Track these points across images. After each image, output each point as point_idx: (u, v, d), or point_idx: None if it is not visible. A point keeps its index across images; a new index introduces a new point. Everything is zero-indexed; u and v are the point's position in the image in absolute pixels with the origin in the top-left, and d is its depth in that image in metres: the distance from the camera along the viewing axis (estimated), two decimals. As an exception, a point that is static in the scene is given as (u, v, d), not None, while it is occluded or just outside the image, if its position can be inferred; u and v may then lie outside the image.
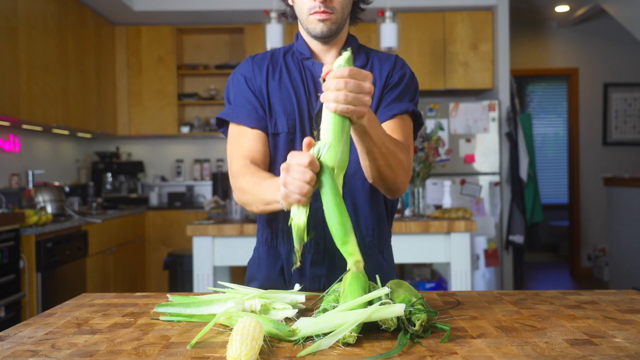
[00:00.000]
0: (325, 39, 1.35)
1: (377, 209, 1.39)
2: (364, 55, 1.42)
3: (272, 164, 1.39)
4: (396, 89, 1.38)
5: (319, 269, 1.35)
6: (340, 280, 1.04)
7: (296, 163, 0.99)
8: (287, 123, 1.36)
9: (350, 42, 1.42)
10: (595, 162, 6.42)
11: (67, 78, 4.34)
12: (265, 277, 1.38)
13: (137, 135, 5.46)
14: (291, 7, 1.40)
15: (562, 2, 5.68)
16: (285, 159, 1.34)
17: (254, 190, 1.22)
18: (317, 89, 1.38)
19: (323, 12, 1.28)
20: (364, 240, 1.38)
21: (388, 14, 4.09)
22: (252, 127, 1.36)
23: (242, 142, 1.36)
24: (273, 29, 4.03)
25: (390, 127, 1.33)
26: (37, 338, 0.95)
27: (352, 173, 1.35)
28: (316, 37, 1.34)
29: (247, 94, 1.39)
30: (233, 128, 1.39)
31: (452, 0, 5.11)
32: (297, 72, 1.40)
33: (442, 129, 4.91)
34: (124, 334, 0.96)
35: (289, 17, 1.45)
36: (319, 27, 1.31)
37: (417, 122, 1.41)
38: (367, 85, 1.01)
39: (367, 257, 1.37)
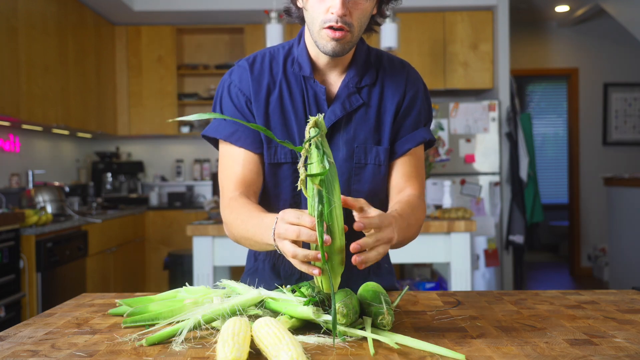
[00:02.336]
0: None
1: None
2: (373, 72, 1.27)
3: (274, 197, 1.28)
4: (411, 112, 1.28)
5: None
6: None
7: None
8: (291, 152, 1.24)
9: (359, 56, 1.27)
10: (595, 162, 6.42)
11: (67, 78, 4.34)
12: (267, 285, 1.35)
13: (137, 135, 5.46)
14: (299, 8, 1.24)
15: (562, 2, 5.68)
16: (289, 191, 1.28)
17: (241, 228, 1.16)
18: (320, 110, 1.24)
19: (339, 28, 1.12)
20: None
21: (388, 13, 4.09)
22: (254, 152, 1.24)
23: (236, 168, 1.24)
24: (273, 29, 4.03)
25: (406, 168, 1.27)
26: (37, 338, 0.95)
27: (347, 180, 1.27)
28: (325, 54, 1.19)
29: (245, 113, 1.25)
30: (227, 148, 1.26)
31: (452, 0, 5.11)
32: (298, 90, 1.25)
33: (442, 129, 4.91)
34: (124, 334, 0.96)
35: (293, 16, 1.28)
36: (330, 45, 1.15)
37: (429, 143, 1.33)
38: (388, 235, 0.96)
39: (362, 272, 1.34)
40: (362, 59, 1.27)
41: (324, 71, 1.26)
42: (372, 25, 1.27)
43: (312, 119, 0.88)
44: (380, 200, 1.29)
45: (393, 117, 1.27)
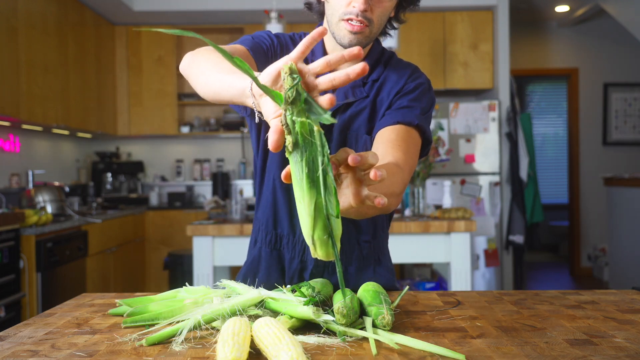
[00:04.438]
0: None
1: (374, 217, 1.32)
2: (380, 69, 1.30)
3: (263, 171, 1.33)
4: (408, 95, 1.26)
5: None
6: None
7: None
8: None
9: (373, 54, 1.29)
10: (595, 162, 6.42)
11: (67, 78, 4.34)
12: (266, 277, 1.35)
13: (137, 135, 5.46)
14: (320, 2, 1.27)
15: (562, 2, 5.68)
16: (278, 166, 1.29)
17: (224, 64, 0.99)
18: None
19: (359, 22, 1.15)
20: (362, 252, 1.34)
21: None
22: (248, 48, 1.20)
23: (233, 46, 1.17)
24: (273, 29, 4.03)
25: (392, 135, 1.17)
26: (37, 338, 0.95)
27: None
28: (341, 46, 1.20)
29: (265, 42, 1.25)
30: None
31: (452, 0, 5.11)
32: None
33: (442, 129, 4.91)
34: (124, 334, 0.96)
35: (313, 10, 1.30)
36: (347, 38, 1.17)
37: (425, 138, 1.25)
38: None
39: (364, 268, 1.35)
40: (375, 57, 1.30)
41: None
42: (387, 28, 1.30)
43: (285, 67, 0.75)
44: None
45: (388, 106, 1.27)
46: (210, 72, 1.01)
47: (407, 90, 1.27)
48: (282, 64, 0.79)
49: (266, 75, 0.80)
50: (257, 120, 0.91)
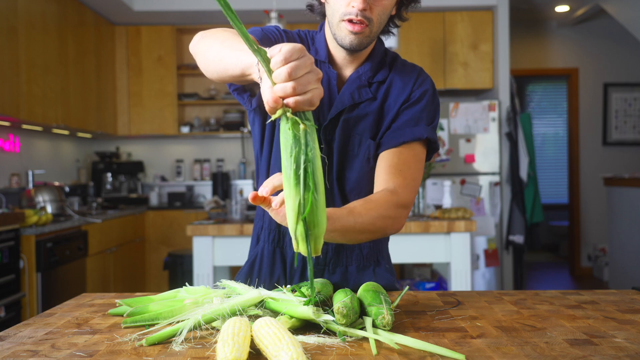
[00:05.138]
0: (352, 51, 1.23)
1: None
2: (386, 71, 1.30)
3: (268, 168, 1.34)
4: (414, 106, 1.27)
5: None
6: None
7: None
8: None
9: (376, 54, 1.29)
10: (595, 162, 6.42)
11: (67, 78, 4.34)
12: (268, 275, 1.35)
13: (137, 135, 5.46)
14: (321, 3, 1.29)
15: (562, 2, 5.68)
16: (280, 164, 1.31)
17: (232, 41, 1.03)
18: (331, 96, 1.28)
19: (359, 22, 1.16)
20: (362, 251, 1.35)
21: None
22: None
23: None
24: (273, 29, 4.03)
25: (394, 160, 1.20)
26: (37, 338, 0.95)
27: (349, 190, 1.29)
28: (342, 47, 1.23)
29: (273, 34, 1.27)
30: None
31: (452, 0, 5.11)
32: None
33: (442, 129, 4.91)
34: (124, 334, 0.96)
35: (315, 11, 1.33)
36: (348, 39, 1.19)
37: (432, 147, 1.28)
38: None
39: (364, 269, 1.35)
40: (378, 57, 1.30)
41: (340, 65, 1.30)
42: (389, 26, 1.30)
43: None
44: (365, 195, 1.27)
45: (394, 115, 1.27)
46: (221, 47, 1.04)
47: (413, 100, 1.27)
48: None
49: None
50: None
